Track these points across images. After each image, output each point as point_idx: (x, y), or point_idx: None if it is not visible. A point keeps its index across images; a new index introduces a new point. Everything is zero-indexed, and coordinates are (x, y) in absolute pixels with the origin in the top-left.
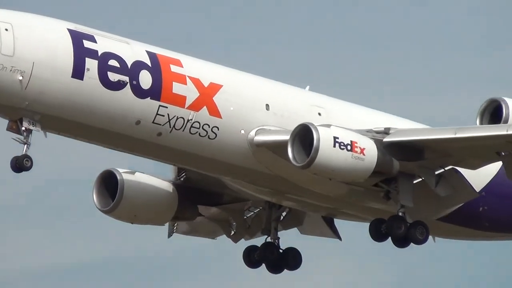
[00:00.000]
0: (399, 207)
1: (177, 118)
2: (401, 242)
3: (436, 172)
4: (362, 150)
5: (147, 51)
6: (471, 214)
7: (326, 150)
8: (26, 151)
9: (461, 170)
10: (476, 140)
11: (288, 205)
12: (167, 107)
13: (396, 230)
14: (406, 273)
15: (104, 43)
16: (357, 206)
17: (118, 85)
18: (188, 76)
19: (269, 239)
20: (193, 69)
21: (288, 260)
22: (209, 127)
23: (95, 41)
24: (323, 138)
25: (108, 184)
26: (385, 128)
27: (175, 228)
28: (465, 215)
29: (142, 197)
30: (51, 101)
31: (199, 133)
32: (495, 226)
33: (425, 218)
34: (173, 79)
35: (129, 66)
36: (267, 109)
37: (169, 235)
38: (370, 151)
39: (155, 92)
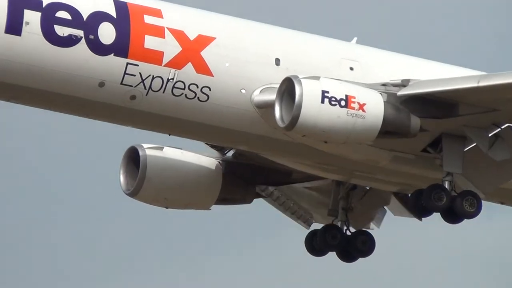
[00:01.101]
0: (444, 175)
1: (153, 78)
2: (450, 216)
3: (491, 133)
4: (361, 106)
5: (115, 0)
6: None
7: (311, 106)
8: None
9: None
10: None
11: (341, 179)
12: (137, 65)
13: (435, 202)
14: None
15: None
16: (419, 177)
17: (69, 41)
18: (168, 28)
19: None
20: (176, 19)
21: (357, 245)
22: (197, 87)
23: None
24: (308, 92)
25: (137, 163)
26: (402, 80)
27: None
28: None
29: (171, 176)
30: None
31: (186, 95)
32: None
33: (484, 189)
34: (145, 32)
35: (84, 18)
36: (277, 63)
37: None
38: (373, 107)
39: (120, 48)
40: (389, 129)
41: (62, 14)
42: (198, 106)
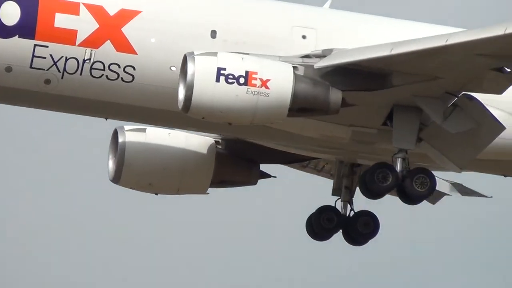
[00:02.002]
0: (396, 151)
1: (67, 59)
2: (406, 197)
3: (450, 103)
4: (264, 83)
5: None
6: None
7: (204, 86)
8: None
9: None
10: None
11: (328, 158)
12: (47, 46)
13: (379, 183)
14: None
15: None
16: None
17: None
18: (84, 4)
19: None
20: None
21: (357, 227)
22: (119, 67)
23: None
24: (201, 70)
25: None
26: (323, 50)
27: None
28: None
29: (152, 160)
30: None
31: (107, 76)
32: None
33: (458, 163)
34: (56, 10)
35: None
36: (212, 36)
37: None
38: (279, 83)
39: (25, 29)
40: (303, 106)
41: None
42: (122, 87)
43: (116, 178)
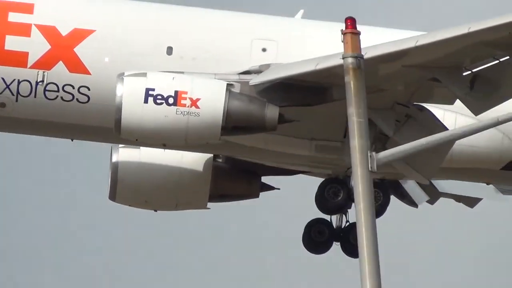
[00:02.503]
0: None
1: (19, 82)
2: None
3: (401, 115)
4: (194, 102)
5: None
6: None
7: (133, 108)
8: None
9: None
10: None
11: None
12: None
13: (330, 200)
14: None
15: None
16: None
17: None
18: (36, 25)
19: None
20: (49, 13)
21: (350, 240)
22: (73, 88)
23: None
24: (129, 92)
25: None
26: (260, 66)
27: None
28: None
29: (146, 177)
30: None
31: (62, 97)
32: None
33: (425, 173)
34: (7, 32)
35: None
36: (168, 52)
37: None
38: (210, 102)
39: None
40: (237, 124)
41: None
42: (78, 108)
43: (112, 196)
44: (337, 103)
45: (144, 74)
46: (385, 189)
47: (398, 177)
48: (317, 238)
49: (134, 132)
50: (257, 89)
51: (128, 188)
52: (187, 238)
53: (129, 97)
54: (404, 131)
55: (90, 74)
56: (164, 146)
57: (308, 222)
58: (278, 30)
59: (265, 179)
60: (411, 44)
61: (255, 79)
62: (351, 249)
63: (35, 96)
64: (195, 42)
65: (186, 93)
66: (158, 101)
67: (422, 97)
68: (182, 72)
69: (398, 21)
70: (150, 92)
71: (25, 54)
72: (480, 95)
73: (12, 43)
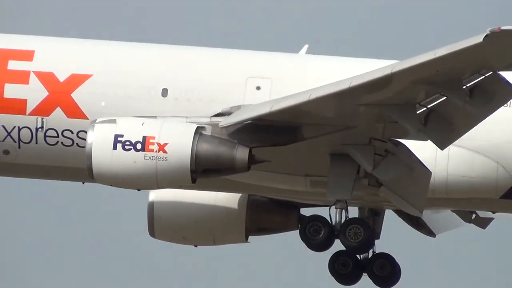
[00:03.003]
0: (333, 202)
1: (20, 129)
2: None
3: (379, 150)
4: (161, 147)
5: None
6: None
7: (102, 155)
8: None
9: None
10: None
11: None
12: None
13: (312, 238)
14: None
15: None
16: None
17: None
18: (35, 72)
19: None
20: (48, 60)
21: (374, 271)
22: (72, 133)
23: None
24: (98, 139)
25: None
26: (231, 107)
27: None
28: None
29: (181, 215)
30: None
31: (62, 142)
32: None
33: (418, 206)
34: (6, 80)
35: None
36: (163, 94)
37: None
38: (177, 146)
39: None
40: (207, 167)
41: None
42: (79, 153)
43: (152, 233)
44: (313, 140)
45: (114, 121)
46: (366, 224)
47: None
48: (341, 270)
49: (106, 178)
50: (228, 131)
51: (165, 226)
52: (225, 272)
53: (99, 144)
54: (383, 166)
55: (87, 118)
56: (139, 190)
57: (333, 254)
58: (272, 67)
59: (304, 211)
60: (345, 86)
61: (223, 121)
62: (377, 280)
63: (36, 142)
64: (190, 83)
65: (153, 138)
66: (127, 147)
67: (396, 132)
68: (155, 117)
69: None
70: (119, 139)
71: (24, 101)
72: (434, 131)
73: (11, 90)
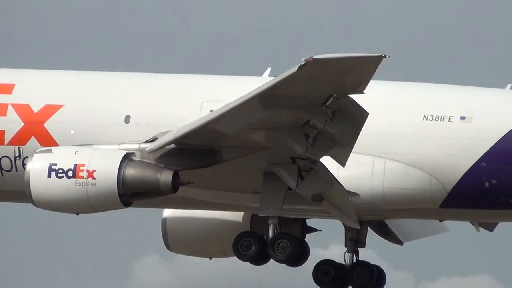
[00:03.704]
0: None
1: (1, 159)
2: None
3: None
4: (90, 174)
5: None
6: (475, 194)
7: (39, 183)
8: None
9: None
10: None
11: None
12: None
13: (244, 252)
14: None
15: None
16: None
17: None
18: (12, 104)
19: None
20: (25, 92)
21: (353, 278)
22: None
23: None
24: (34, 169)
25: None
26: (158, 133)
27: None
28: (466, 197)
29: (190, 230)
30: None
31: None
32: None
33: (353, 218)
34: None
35: None
36: (126, 121)
37: None
38: (103, 172)
39: None
40: (134, 191)
41: None
42: None
43: (167, 247)
44: (247, 159)
45: (50, 150)
46: (293, 238)
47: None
48: (323, 278)
49: (44, 204)
50: (155, 156)
51: (177, 240)
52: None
53: (35, 173)
54: (305, 183)
55: (59, 145)
56: (77, 214)
57: (316, 264)
58: (226, 91)
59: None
60: (216, 114)
61: (148, 147)
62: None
63: (16, 170)
64: (149, 110)
65: (83, 165)
66: (60, 175)
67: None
68: (91, 145)
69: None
70: (53, 167)
71: (2, 132)
72: (321, 149)
73: None
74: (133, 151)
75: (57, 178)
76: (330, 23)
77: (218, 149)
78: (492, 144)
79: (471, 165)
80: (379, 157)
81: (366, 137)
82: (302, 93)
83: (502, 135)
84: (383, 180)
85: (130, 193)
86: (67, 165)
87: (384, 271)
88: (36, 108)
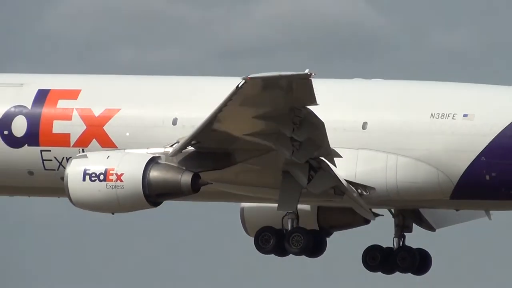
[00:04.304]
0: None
1: (68, 160)
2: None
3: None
4: (119, 177)
5: (40, 90)
6: (478, 186)
7: (76, 186)
8: None
9: None
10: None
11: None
12: (50, 150)
13: (264, 246)
14: None
15: None
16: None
17: None
18: (77, 109)
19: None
20: (89, 97)
21: (397, 262)
22: None
23: None
24: (71, 172)
25: None
26: (179, 138)
27: None
28: (471, 188)
29: (265, 216)
30: None
31: None
32: None
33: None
34: (55, 117)
35: (0, 116)
36: (174, 123)
37: None
38: (130, 176)
39: (31, 138)
40: (158, 192)
41: None
42: None
43: (247, 232)
44: (244, 163)
45: (86, 155)
46: (307, 232)
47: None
48: (371, 263)
49: (81, 205)
50: (177, 159)
51: (253, 225)
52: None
53: (72, 176)
54: (314, 181)
55: (117, 147)
56: (112, 213)
57: (365, 249)
58: None
59: None
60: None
61: (170, 151)
62: (403, 270)
63: None
64: (190, 114)
65: (113, 169)
66: (93, 178)
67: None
68: (123, 150)
69: None
70: (87, 171)
71: (68, 135)
72: (304, 153)
73: (59, 126)
74: (159, 155)
75: (90, 182)
76: None
77: (231, 151)
78: (491, 140)
79: (473, 159)
80: (391, 154)
81: (380, 134)
82: (267, 105)
83: (500, 131)
84: (395, 174)
85: (155, 194)
86: (99, 169)
87: (429, 253)
88: (97, 112)
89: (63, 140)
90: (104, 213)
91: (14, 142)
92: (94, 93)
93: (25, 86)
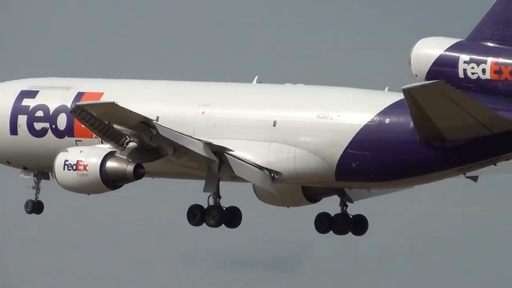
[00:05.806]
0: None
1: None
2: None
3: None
4: (84, 167)
5: (79, 92)
6: (349, 171)
7: (60, 173)
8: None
9: None
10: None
11: None
12: (81, 141)
13: (192, 219)
14: None
15: (41, 96)
16: None
17: (42, 132)
18: None
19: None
20: (109, 99)
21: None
22: None
23: (33, 97)
24: (57, 164)
25: None
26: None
27: None
28: (345, 173)
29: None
30: (9, 155)
31: None
32: (381, 176)
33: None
34: None
35: (50, 113)
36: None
37: None
38: (91, 166)
39: (69, 130)
40: (112, 178)
41: (39, 113)
42: None
43: (258, 197)
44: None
45: (67, 150)
46: (221, 209)
47: None
48: (320, 227)
49: (65, 187)
50: (126, 152)
51: (263, 194)
52: None
53: (57, 166)
54: (223, 171)
55: None
56: (88, 194)
57: (316, 216)
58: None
59: None
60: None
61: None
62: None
63: None
64: (171, 112)
65: (82, 161)
66: (69, 168)
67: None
68: (93, 146)
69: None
70: (66, 162)
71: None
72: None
73: None
74: (115, 150)
75: (67, 171)
76: None
77: (157, 147)
78: (353, 136)
79: (342, 151)
80: (292, 146)
81: (284, 131)
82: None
83: (359, 128)
84: (294, 163)
85: (111, 180)
86: (72, 161)
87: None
88: None
89: (89, 132)
90: (82, 194)
91: (58, 133)
92: (114, 96)
93: (71, 89)
